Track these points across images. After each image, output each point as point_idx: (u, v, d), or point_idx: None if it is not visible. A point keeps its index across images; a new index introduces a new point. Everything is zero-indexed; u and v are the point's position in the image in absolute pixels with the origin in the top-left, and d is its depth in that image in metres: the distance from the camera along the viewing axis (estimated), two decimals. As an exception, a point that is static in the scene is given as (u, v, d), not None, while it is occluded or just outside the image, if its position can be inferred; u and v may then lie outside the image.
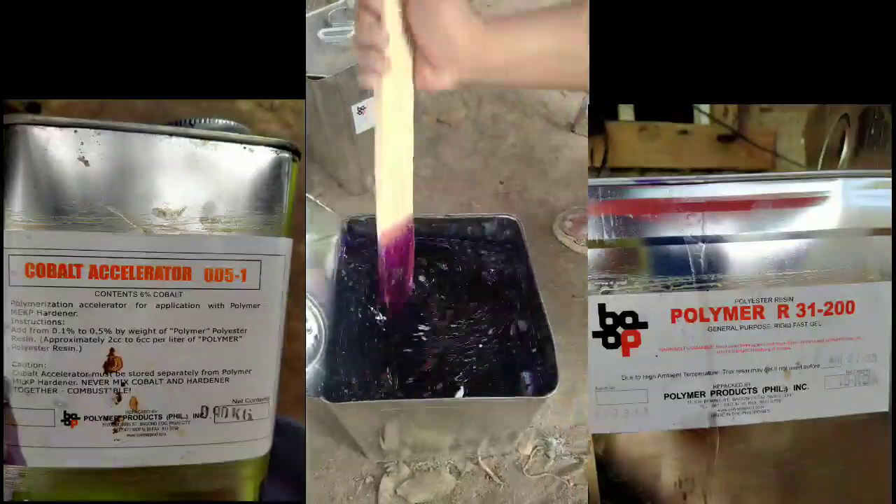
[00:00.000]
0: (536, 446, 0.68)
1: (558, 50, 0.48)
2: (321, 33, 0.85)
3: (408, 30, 0.47)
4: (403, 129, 0.52)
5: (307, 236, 0.62)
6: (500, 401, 0.54)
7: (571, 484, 0.65)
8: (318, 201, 0.70)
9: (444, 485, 0.65)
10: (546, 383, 0.53)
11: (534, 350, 0.58)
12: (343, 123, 0.87)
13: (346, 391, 0.54)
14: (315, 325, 0.56)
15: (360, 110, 0.87)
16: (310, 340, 0.55)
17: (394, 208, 0.55)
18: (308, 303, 0.56)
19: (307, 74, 0.80)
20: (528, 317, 0.60)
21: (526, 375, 0.56)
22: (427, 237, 0.62)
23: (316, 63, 0.81)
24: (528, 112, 1.23)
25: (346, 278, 0.64)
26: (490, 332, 0.60)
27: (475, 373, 0.56)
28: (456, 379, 0.56)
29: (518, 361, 0.57)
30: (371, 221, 0.67)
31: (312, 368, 0.53)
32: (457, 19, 0.46)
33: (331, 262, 0.64)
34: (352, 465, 0.67)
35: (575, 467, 0.66)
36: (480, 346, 0.58)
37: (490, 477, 0.66)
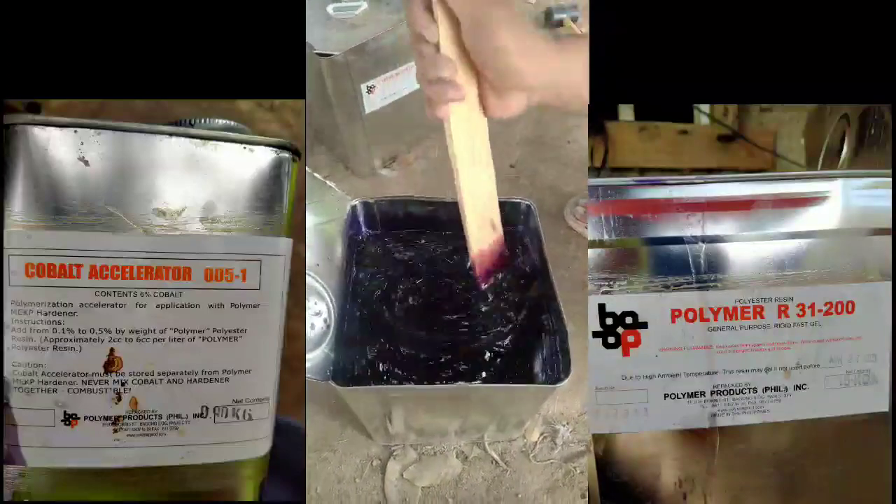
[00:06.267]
0: (543, 433, 0.68)
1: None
2: (330, 8, 0.82)
3: (466, 56, 0.44)
4: (479, 153, 0.50)
5: (314, 218, 0.61)
6: (511, 388, 0.54)
7: (578, 471, 0.65)
8: (327, 182, 0.70)
9: (450, 469, 0.65)
10: (558, 372, 0.53)
11: (546, 338, 0.57)
12: (352, 103, 0.85)
13: (354, 375, 0.54)
14: (324, 307, 0.56)
15: (370, 89, 0.84)
16: (319, 323, 0.55)
17: (479, 235, 0.54)
18: (317, 285, 0.56)
19: (315, 51, 0.77)
20: (541, 303, 0.60)
21: (537, 363, 0.56)
22: (437, 221, 0.62)
23: (324, 39, 0.79)
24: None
25: (355, 261, 0.64)
26: (501, 318, 0.59)
27: (486, 359, 0.56)
28: (466, 365, 0.56)
29: (529, 349, 0.57)
30: (381, 203, 0.67)
31: (321, 352, 0.53)
32: (514, 42, 0.41)
33: (340, 245, 0.64)
34: (358, 448, 0.67)
35: (582, 455, 0.66)
36: (492, 332, 0.58)
37: (497, 462, 0.66)
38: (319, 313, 0.55)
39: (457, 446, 0.67)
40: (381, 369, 0.55)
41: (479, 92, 0.46)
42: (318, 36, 0.79)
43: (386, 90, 0.86)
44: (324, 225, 0.63)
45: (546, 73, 0.43)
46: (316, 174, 0.81)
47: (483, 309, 0.60)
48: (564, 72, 0.44)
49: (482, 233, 0.54)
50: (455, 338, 0.57)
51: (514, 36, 0.41)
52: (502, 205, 0.65)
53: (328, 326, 0.56)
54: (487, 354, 0.56)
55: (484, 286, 0.57)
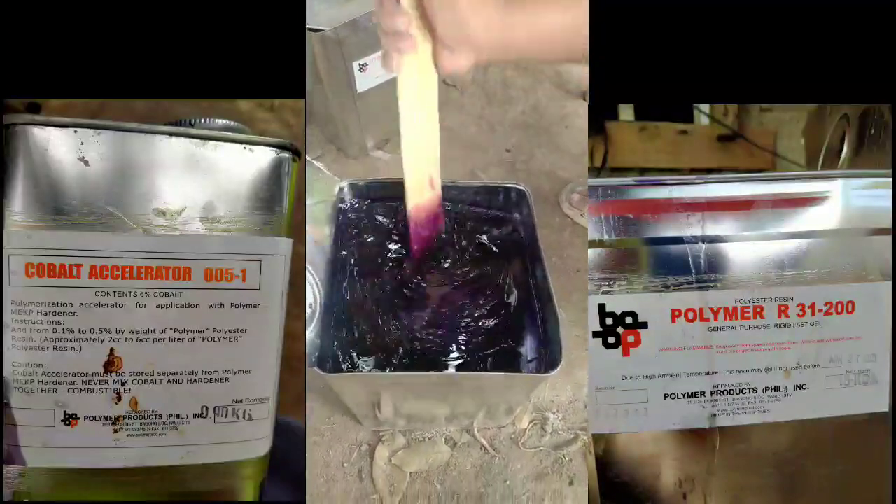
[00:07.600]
0: (533, 420, 0.68)
1: (571, 25, 0.49)
2: None
3: (424, 14, 0.47)
4: (426, 109, 0.53)
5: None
6: (501, 376, 0.54)
7: (567, 458, 0.65)
8: (316, 163, 0.69)
9: (439, 455, 0.65)
10: (549, 360, 0.53)
11: (538, 325, 0.57)
12: (343, 81, 0.82)
13: (341, 361, 0.53)
14: (311, 292, 0.55)
15: (362, 67, 0.82)
16: (305, 309, 0.54)
17: (419, 187, 0.57)
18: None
19: (306, 27, 0.74)
20: (534, 290, 0.59)
21: (528, 351, 0.56)
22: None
23: (316, 14, 0.76)
24: (540, 77, 1.15)
25: (343, 244, 0.63)
26: (493, 304, 0.59)
27: (476, 346, 0.55)
28: (456, 352, 0.55)
29: (521, 336, 0.57)
30: (370, 185, 0.67)
31: (307, 338, 0.53)
32: (471, 2, 0.46)
33: (328, 227, 0.63)
34: (347, 433, 0.67)
35: (571, 442, 0.66)
36: (482, 318, 0.57)
37: (486, 449, 0.66)
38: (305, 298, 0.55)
39: (446, 432, 0.67)
40: (368, 355, 0.54)
41: (433, 50, 0.49)
42: (310, 10, 0.75)
43: (380, 69, 0.82)
44: (311, 207, 0.62)
45: (493, 30, 0.47)
46: (306, 157, 0.80)
47: (474, 295, 0.59)
48: (510, 30, 0.48)
49: (420, 189, 0.57)
50: (443, 323, 0.57)
51: None
52: (497, 189, 0.65)
53: (314, 312, 0.55)
54: (477, 341, 0.56)
55: (417, 256, 0.59)
